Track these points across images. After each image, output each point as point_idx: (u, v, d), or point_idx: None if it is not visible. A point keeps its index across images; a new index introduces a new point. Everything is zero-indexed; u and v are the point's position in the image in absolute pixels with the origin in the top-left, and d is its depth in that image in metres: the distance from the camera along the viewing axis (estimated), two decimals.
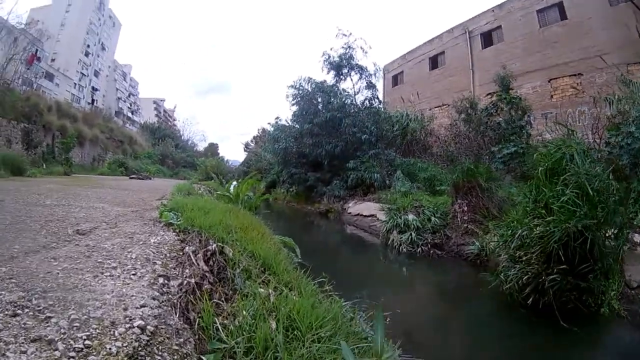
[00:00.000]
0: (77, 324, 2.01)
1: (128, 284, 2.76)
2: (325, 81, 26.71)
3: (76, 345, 1.83)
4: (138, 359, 1.92)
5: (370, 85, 26.35)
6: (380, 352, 2.69)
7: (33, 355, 1.73)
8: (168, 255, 3.70)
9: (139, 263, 3.28)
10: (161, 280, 2.97)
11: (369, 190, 20.35)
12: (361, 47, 26.04)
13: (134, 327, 2.10)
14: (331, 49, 26.62)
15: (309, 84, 26.38)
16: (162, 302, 2.61)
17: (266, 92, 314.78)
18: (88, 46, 69.92)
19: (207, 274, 3.49)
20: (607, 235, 6.38)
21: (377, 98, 26.80)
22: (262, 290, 3.43)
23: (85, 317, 2.10)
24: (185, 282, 3.11)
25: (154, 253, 3.65)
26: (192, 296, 2.98)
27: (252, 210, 10.07)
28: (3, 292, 2.31)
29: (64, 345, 1.82)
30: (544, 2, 22.65)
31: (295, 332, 2.81)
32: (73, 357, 1.77)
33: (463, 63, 27.30)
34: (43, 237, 3.90)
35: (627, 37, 18.16)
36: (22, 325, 1.95)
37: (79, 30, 66.62)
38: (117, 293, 2.53)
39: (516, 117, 17.59)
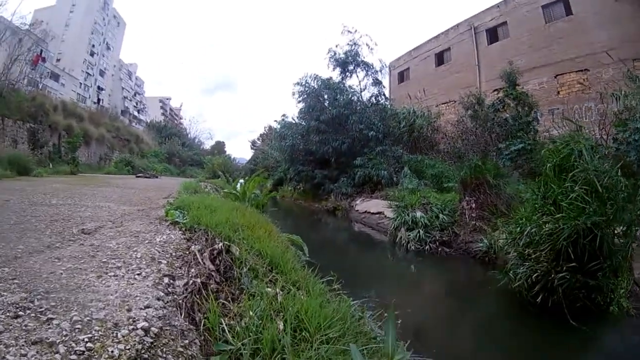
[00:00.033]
0: (79, 326, 1.97)
1: (132, 284, 2.72)
2: (331, 78, 26.73)
3: (77, 348, 1.79)
4: None
5: (377, 82, 26.40)
6: (391, 354, 2.63)
7: (33, 358, 1.69)
8: (174, 254, 3.67)
9: (144, 262, 3.24)
10: (166, 280, 2.92)
11: (376, 187, 20.31)
12: (367, 44, 26.16)
13: (137, 329, 2.05)
14: (337, 46, 26.72)
15: (315, 81, 26.34)
16: (167, 302, 2.57)
17: (273, 89, 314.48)
18: (93, 46, 70.05)
19: (213, 274, 3.44)
20: (615, 232, 6.29)
21: (384, 95, 26.89)
22: (269, 289, 3.37)
23: (88, 318, 2.06)
24: (191, 281, 3.07)
25: (159, 252, 3.61)
26: (197, 296, 2.93)
27: (259, 208, 10.05)
28: (5, 293, 2.28)
29: (65, 348, 1.78)
30: None
31: (304, 333, 2.75)
32: None
33: (469, 59, 27.12)
34: (47, 237, 3.88)
35: (633, 33, 17.99)
36: (24, 327, 1.91)
37: (83, 30, 66.76)
38: (121, 293, 2.49)
39: (523, 113, 17.49)
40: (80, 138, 26.31)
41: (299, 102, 27.21)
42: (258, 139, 71.34)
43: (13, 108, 22.72)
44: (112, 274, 2.87)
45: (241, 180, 14.68)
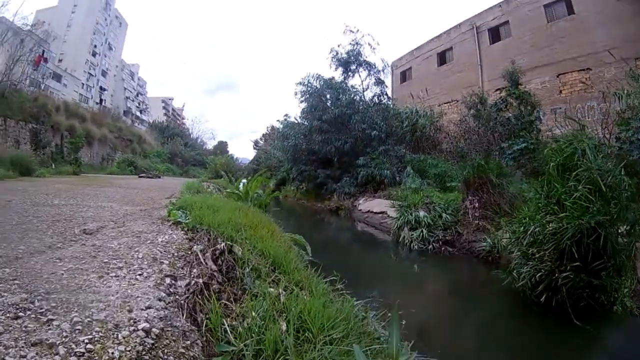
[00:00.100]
0: (80, 327, 1.95)
1: (134, 284, 2.70)
2: (333, 78, 26.70)
3: (77, 350, 1.77)
4: None
5: (379, 82, 26.39)
6: (395, 355, 2.60)
7: (33, 359, 1.66)
8: (176, 254, 3.65)
9: (146, 263, 3.22)
10: (168, 280, 2.90)
11: (379, 187, 20.29)
12: (369, 44, 26.08)
13: (138, 330, 2.03)
14: (339, 46, 26.65)
15: (318, 80, 26.27)
16: (169, 303, 2.55)
17: (275, 89, 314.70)
18: (95, 46, 70.15)
19: (215, 274, 3.41)
20: (619, 231, 6.26)
21: (386, 94, 26.89)
22: (272, 289, 3.34)
23: (88, 319, 2.04)
24: (193, 282, 3.04)
25: (161, 252, 3.59)
26: (199, 297, 2.91)
27: (262, 207, 10.01)
28: (5, 294, 2.26)
29: (65, 349, 1.76)
30: None
31: (307, 334, 2.71)
32: None
33: (471, 59, 27.06)
34: (49, 237, 3.87)
35: (635, 32, 17.93)
36: (23, 328, 1.90)
37: (85, 30, 66.85)
38: (122, 294, 2.47)
39: (525, 113, 17.48)
40: (83, 138, 26.33)
41: (302, 101, 27.22)
42: (261, 139, 71.48)
43: (15, 109, 22.78)
44: (114, 274, 2.85)
45: (244, 180, 14.67)
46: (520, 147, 15.62)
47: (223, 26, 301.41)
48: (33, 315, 2.03)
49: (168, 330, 2.20)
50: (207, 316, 2.72)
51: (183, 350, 2.15)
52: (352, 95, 25.47)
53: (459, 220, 11.37)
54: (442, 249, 10.77)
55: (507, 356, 5.39)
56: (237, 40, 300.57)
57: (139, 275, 2.91)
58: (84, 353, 1.75)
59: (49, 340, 1.80)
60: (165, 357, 2.00)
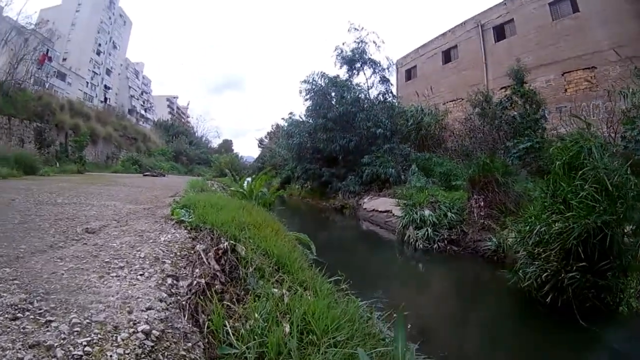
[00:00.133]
0: (78, 329, 1.92)
1: (134, 285, 2.67)
2: (338, 76, 26.61)
3: (75, 352, 1.74)
4: None
5: (384, 80, 26.30)
6: (401, 358, 2.56)
7: None
8: (178, 253, 3.62)
9: (148, 262, 3.19)
10: (170, 280, 2.87)
11: (384, 185, 20.21)
12: (373, 42, 26.01)
13: (138, 332, 2.00)
14: (343, 44, 26.63)
15: (322, 78, 26.18)
16: (170, 304, 2.51)
17: (280, 87, 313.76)
18: (99, 45, 70.31)
19: (218, 274, 3.38)
20: (625, 231, 6.21)
21: (391, 92, 26.75)
22: (275, 290, 3.31)
23: (87, 321, 2.01)
24: (195, 282, 3.01)
25: (163, 252, 3.56)
26: (201, 297, 2.87)
27: (266, 206, 9.99)
28: (5, 294, 2.24)
29: (63, 352, 1.73)
30: None
31: (310, 336, 2.67)
32: None
33: (476, 57, 27.00)
34: (51, 236, 3.85)
35: None
36: (22, 330, 1.87)
37: (89, 29, 67.02)
38: (123, 295, 2.44)
39: (531, 111, 17.39)
40: (87, 137, 26.46)
41: (306, 100, 27.16)
42: (265, 137, 71.50)
43: (20, 107, 22.82)
44: (114, 274, 2.82)
45: (248, 179, 14.66)
46: (526, 145, 15.53)
47: (229, 24, 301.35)
48: (32, 316, 2.01)
49: (169, 332, 2.16)
50: (209, 317, 2.67)
51: (184, 353, 2.10)
52: (357, 94, 25.48)
53: (464, 219, 11.33)
54: (447, 248, 10.72)
55: (513, 357, 5.36)
56: (242, 39, 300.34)
57: (140, 275, 2.88)
58: (81, 356, 1.72)
59: (46, 342, 1.77)
60: None
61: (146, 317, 2.17)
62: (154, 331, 2.05)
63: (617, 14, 18.98)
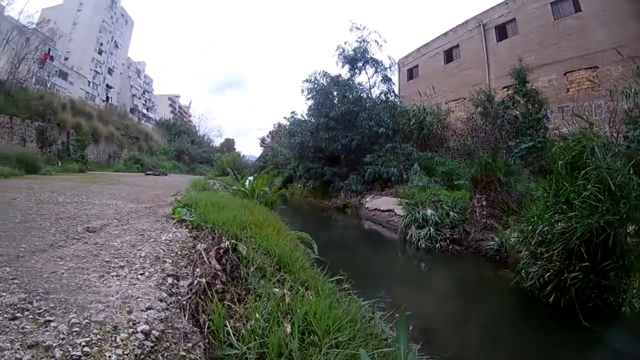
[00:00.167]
0: (77, 329, 1.90)
1: (135, 284, 2.65)
2: (340, 75, 26.56)
3: (74, 353, 1.72)
4: None
5: (386, 79, 26.23)
6: (404, 359, 2.54)
7: None
8: (179, 253, 3.61)
9: (148, 262, 3.18)
10: (170, 280, 2.85)
11: (386, 184, 20.20)
12: (375, 41, 25.94)
13: (137, 332, 1.98)
14: (345, 43, 26.52)
15: (324, 78, 26.12)
16: (170, 304, 2.50)
17: (282, 87, 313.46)
18: (101, 44, 70.28)
19: (219, 273, 3.36)
20: (628, 231, 6.19)
21: (393, 92, 26.66)
22: (276, 290, 3.28)
23: (87, 321, 1.99)
24: (196, 282, 2.99)
25: (164, 251, 3.55)
26: (202, 297, 2.85)
27: (268, 205, 9.99)
28: (4, 294, 2.23)
29: (61, 352, 1.71)
30: None
31: (312, 337, 2.65)
32: None
33: (478, 56, 26.98)
34: (51, 236, 3.84)
35: None
36: (20, 330, 1.86)
37: (91, 28, 66.99)
38: (122, 294, 2.42)
39: (533, 111, 17.38)
40: (89, 136, 26.53)
41: (308, 99, 27.15)
42: (267, 136, 71.67)
43: (21, 107, 22.89)
44: (115, 273, 2.81)
45: (250, 178, 14.66)
46: (528, 145, 15.51)
47: (229, 24, 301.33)
48: (31, 316, 1.99)
49: (169, 332, 2.14)
50: (209, 317, 2.65)
51: (184, 354, 2.08)
52: (359, 93, 25.43)
53: (466, 219, 11.30)
54: (450, 247, 10.69)
55: (515, 357, 5.34)
56: (246, 38, 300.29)
57: (141, 274, 2.86)
58: (80, 356, 1.71)
59: (45, 343, 1.76)
60: None
61: (146, 317, 2.16)
62: (153, 331, 2.03)
63: (619, 14, 18.98)
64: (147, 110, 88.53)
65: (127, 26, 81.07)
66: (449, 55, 30.53)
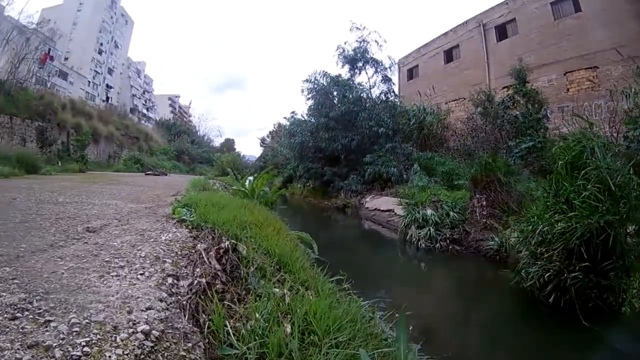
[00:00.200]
0: (77, 329, 1.90)
1: (135, 284, 2.65)
2: (340, 75, 26.55)
3: (74, 353, 1.72)
4: None
5: (386, 79, 26.22)
6: (404, 359, 2.54)
7: None
8: (179, 253, 3.61)
9: (148, 262, 3.18)
10: (170, 280, 2.85)
11: (386, 184, 20.19)
12: (375, 41, 25.94)
13: (137, 332, 1.98)
14: (345, 43, 26.51)
15: (324, 77, 26.11)
16: (170, 304, 2.49)
17: (282, 87, 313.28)
18: (101, 44, 70.25)
19: (219, 273, 3.36)
20: (628, 231, 6.19)
21: (393, 92, 26.65)
22: (276, 290, 3.28)
23: (87, 321, 1.99)
24: (196, 282, 2.99)
25: (164, 251, 3.55)
26: (202, 297, 2.85)
27: (268, 205, 9.99)
28: (4, 294, 2.23)
29: (61, 352, 1.71)
30: None
31: (312, 337, 2.65)
32: None
33: (478, 56, 26.98)
34: (51, 236, 3.84)
35: None
36: (20, 330, 1.86)
37: (91, 28, 66.97)
38: (123, 294, 2.42)
39: (533, 111, 17.38)
40: (89, 136, 26.53)
41: (308, 99, 27.14)
42: (267, 136, 71.69)
43: (21, 107, 22.89)
44: (115, 273, 2.81)
45: (250, 178, 14.66)
46: (528, 145, 15.51)
47: (229, 24, 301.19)
48: (31, 316, 1.99)
49: (169, 332, 2.14)
50: (209, 317, 2.65)
51: (184, 354, 2.08)
52: (359, 93, 25.42)
53: (466, 219, 11.30)
54: (450, 247, 10.69)
55: (515, 357, 5.34)
56: (246, 38, 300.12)
57: (141, 274, 2.86)
58: (80, 356, 1.71)
59: (45, 343, 1.76)
60: None
61: (146, 317, 2.15)
62: (153, 331, 2.03)
63: (619, 14, 18.98)
64: (147, 110, 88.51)
65: (127, 26, 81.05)
66: (449, 55, 30.54)
